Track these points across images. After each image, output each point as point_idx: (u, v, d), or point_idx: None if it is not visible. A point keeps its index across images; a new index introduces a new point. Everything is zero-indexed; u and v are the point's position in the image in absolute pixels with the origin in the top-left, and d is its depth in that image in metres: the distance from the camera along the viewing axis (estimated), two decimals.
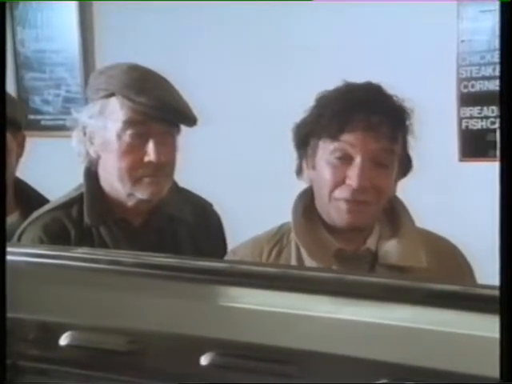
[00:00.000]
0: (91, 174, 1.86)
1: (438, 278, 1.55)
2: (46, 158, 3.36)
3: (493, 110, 2.97)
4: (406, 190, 1.73)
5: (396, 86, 1.64)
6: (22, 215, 2.00)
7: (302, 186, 1.73)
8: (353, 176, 1.58)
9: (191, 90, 1.82)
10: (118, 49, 3.47)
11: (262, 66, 3.34)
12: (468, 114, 3.03)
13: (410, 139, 1.66)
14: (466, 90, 3.03)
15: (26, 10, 3.98)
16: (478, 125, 3.01)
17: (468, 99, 3.03)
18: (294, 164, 1.72)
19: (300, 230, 1.67)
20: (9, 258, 1.10)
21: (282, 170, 1.80)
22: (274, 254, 1.68)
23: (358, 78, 1.65)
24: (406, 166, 1.68)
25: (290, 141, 1.70)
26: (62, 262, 1.20)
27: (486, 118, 3.00)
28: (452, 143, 3.04)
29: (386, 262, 1.64)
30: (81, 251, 1.31)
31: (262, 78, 3.33)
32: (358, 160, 1.58)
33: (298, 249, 1.66)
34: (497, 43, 2.87)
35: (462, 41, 3.01)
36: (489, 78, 2.98)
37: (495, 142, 2.93)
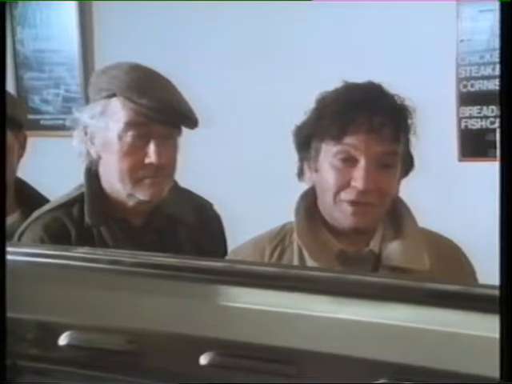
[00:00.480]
0: (92, 174, 1.86)
1: (438, 278, 1.55)
2: (45, 157, 3.36)
3: (492, 110, 2.97)
4: (405, 190, 1.72)
5: (395, 85, 1.64)
6: (22, 215, 2.00)
7: (303, 186, 1.73)
8: (358, 178, 1.57)
9: (192, 92, 1.82)
10: (117, 48, 3.47)
11: (262, 67, 3.34)
12: (467, 114, 3.03)
13: (412, 138, 1.66)
14: (465, 90, 3.03)
15: (26, 10, 3.97)
16: (478, 124, 3.01)
17: (467, 99, 3.03)
18: (295, 166, 1.71)
19: (302, 231, 1.66)
20: (9, 257, 1.10)
21: (282, 171, 1.80)
22: (276, 255, 1.67)
23: (358, 77, 1.65)
24: (408, 165, 1.68)
25: (290, 141, 1.70)
26: (61, 262, 1.20)
27: (486, 117, 2.99)
28: (451, 143, 3.04)
29: (389, 263, 1.64)
30: (81, 251, 1.31)
31: (263, 79, 3.32)
32: (362, 162, 1.57)
33: (300, 250, 1.65)
34: (496, 43, 2.87)
35: (462, 40, 3.00)
36: (488, 78, 2.97)
37: (495, 141, 2.92)
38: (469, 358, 0.91)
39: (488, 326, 0.90)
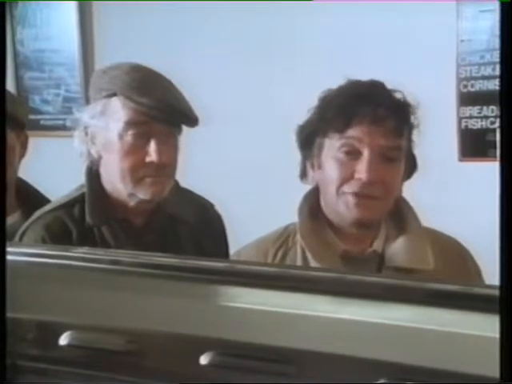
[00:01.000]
0: (93, 174, 1.86)
1: (438, 278, 1.55)
2: (45, 157, 3.36)
3: (492, 110, 2.97)
4: (406, 190, 1.72)
5: (396, 85, 1.64)
6: (23, 215, 2.00)
7: (306, 186, 1.72)
8: (362, 170, 1.57)
9: (192, 90, 1.82)
10: (117, 48, 3.47)
11: (263, 66, 3.34)
12: (468, 114, 3.03)
13: (415, 137, 1.66)
14: (465, 90, 3.03)
15: (26, 10, 3.98)
16: (478, 124, 3.01)
17: (468, 99, 3.03)
18: (298, 166, 1.71)
19: (306, 231, 1.66)
20: (9, 257, 1.10)
21: (285, 171, 1.79)
22: (279, 255, 1.67)
23: (358, 77, 1.65)
24: (411, 165, 1.68)
25: (293, 141, 1.70)
26: (62, 262, 1.20)
27: (486, 117, 2.99)
28: (451, 143, 3.04)
29: (393, 264, 1.63)
30: (81, 251, 1.31)
31: (264, 78, 3.32)
32: (366, 154, 1.57)
33: (303, 251, 1.65)
34: (496, 43, 2.87)
35: (462, 40, 3.00)
36: (488, 78, 2.97)
37: (495, 141, 2.92)
38: (469, 358, 0.91)
39: (488, 326, 0.90)
